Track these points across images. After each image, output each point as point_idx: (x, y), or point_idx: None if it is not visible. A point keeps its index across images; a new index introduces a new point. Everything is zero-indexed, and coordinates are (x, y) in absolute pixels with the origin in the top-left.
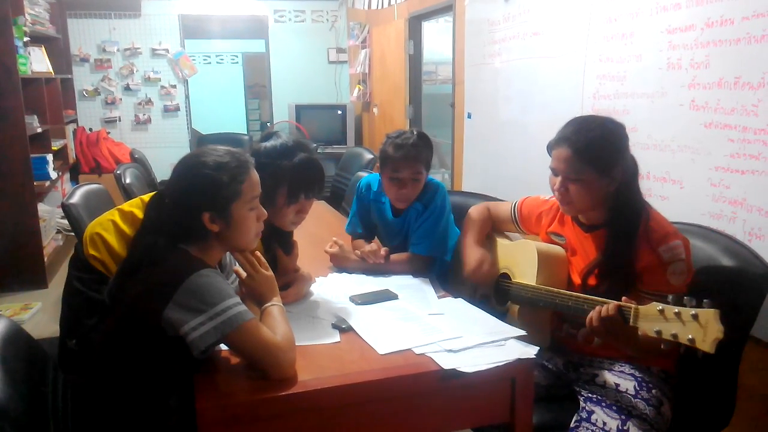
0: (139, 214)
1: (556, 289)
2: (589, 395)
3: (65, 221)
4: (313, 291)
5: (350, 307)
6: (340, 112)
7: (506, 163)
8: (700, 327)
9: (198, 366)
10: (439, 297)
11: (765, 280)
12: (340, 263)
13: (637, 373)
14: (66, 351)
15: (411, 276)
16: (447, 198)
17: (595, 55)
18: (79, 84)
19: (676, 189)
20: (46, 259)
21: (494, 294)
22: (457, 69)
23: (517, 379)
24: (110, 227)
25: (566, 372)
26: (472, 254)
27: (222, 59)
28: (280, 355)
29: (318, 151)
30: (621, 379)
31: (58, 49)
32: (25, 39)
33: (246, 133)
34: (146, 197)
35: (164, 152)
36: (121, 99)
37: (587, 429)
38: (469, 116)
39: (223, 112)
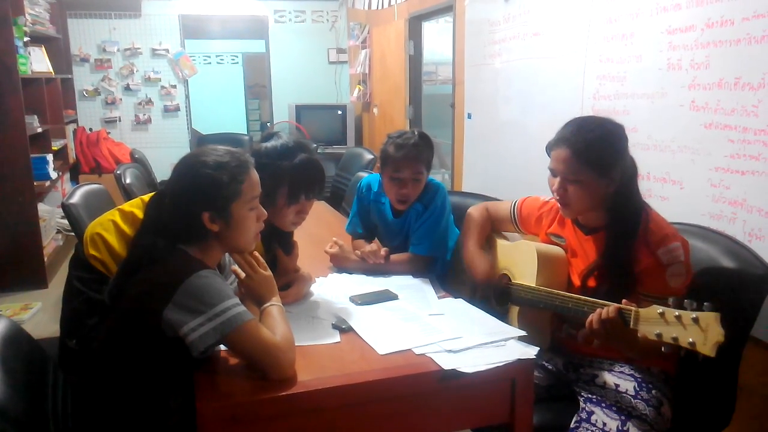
0: (140, 214)
1: (556, 291)
2: (589, 396)
3: (65, 221)
4: (313, 291)
5: (350, 307)
6: (340, 112)
7: (506, 163)
8: (700, 330)
9: (198, 366)
10: (439, 297)
11: (765, 281)
12: (340, 263)
13: (637, 374)
14: (66, 351)
15: (411, 276)
16: (447, 198)
17: (596, 55)
18: (79, 84)
19: (676, 189)
20: (46, 259)
21: (494, 295)
22: (457, 69)
23: (517, 379)
24: (111, 227)
25: (566, 372)
26: (479, 261)
27: (222, 59)
28: (280, 355)
29: (318, 151)
30: (621, 379)
31: (58, 49)
32: (26, 39)
33: (246, 133)
34: (146, 197)
35: (164, 152)
36: (121, 99)
37: (587, 429)
38: (469, 116)
39: (223, 112)
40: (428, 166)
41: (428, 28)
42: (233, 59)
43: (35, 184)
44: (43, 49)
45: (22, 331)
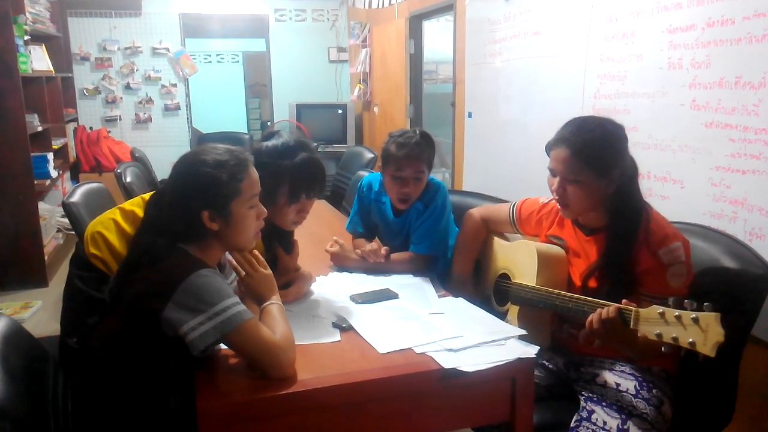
0: (140, 212)
1: (556, 291)
2: (590, 395)
3: (66, 220)
4: (314, 290)
5: (351, 306)
6: (340, 111)
7: (507, 162)
8: (700, 330)
9: (198, 365)
10: (439, 296)
11: (765, 280)
12: (340, 262)
13: (637, 373)
14: (66, 350)
15: (411, 275)
16: (448, 197)
17: (596, 54)
18: (79, 83)
19: (676, 189)
20: (46, 257)
21: (494, 294)
22: (457, 68)
23: (518, 378)
24: (111, 226)
25: (567, 372)
26: (459, 260)
27: (222, 58)
28: (280, 354)
29: (318, 150)
30: (621, 378)
31: (58, 47)
32: (26, 37)
33: (246, 132)
34: (147, 196)
35: (165, 151)
36: (121, 98)
37: (587, 428)
38: (470, 115)
39: (223, 111)
40: (430, 166)
41: (429, 27)
42: (234, 58)
43: (35, 182)
44: (44, 47)
45: (22, 330)
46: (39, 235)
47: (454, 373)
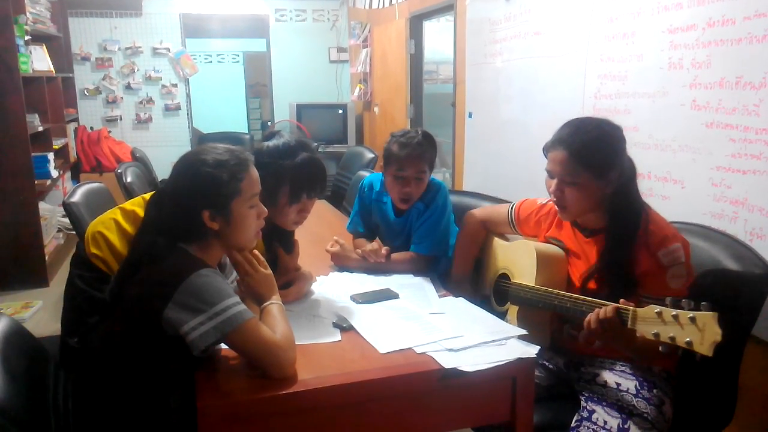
0: (141, 212)
1: (554, 291)
2: (590, 395)
3: (66, 220)
4: (314, 290)
5: (351, 306)
6: (341, 111)
7: (507, 162)
8: (698, 330)
9: (198, 365)
10: (440, 296)
11: (766, 280)
12: (341, 262)
13: (638, 373)
14: (67, 349)
15: (412, 275)
16: (448, 197)
17: (597, 54)
18: (80, 83)
19: (677, 189)
20: (47, 257)
21: (493, 294)
22: (458, 68)
23: (518, 378)
24: (112, 226)
25: (567, 372)
26: (460, 260)
27: (223, 58)
28: (281, 354)
29: (319, 150)
30: (622, 378)
31: (59, 47)
32: (27, 38)
33: (247, 132)
34: (148, 196)
35: (165, 151)
36: (122, 98)
37: (588, 428)
38: (470, 116)
39: (224, 111)
40: (431, 166)
41: (429, 27)
42: (234, 58)
43: (36, 182)
44: (44, 47)
45: (23, 330)
46: (39, 235)
47: (455, 373)
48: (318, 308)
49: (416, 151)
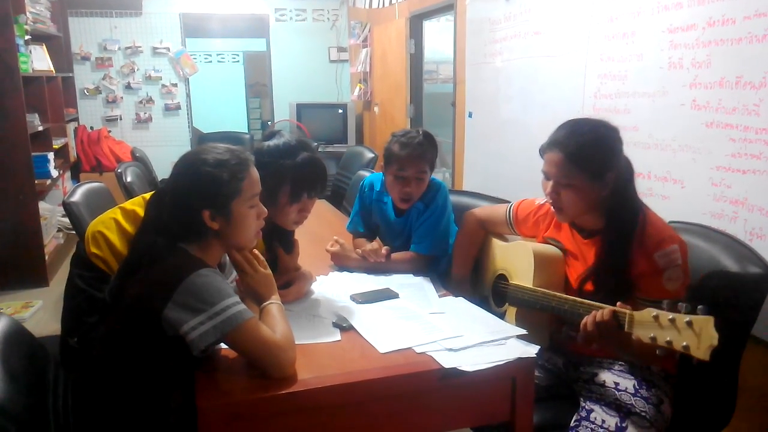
0: (141, 212)
1: (552, 292)
2: (589, 394)
3: (66, 220)
4: (314, 290)
5: (351, 305)
6: (341, 111)
7: (507, 162)
8: (694, 334)
9: (198, 364)
10: (440, 296)
11: (766, 280)
12: (341, 262)
13: (636, 372)
14: (67, 349)
15: (412, 275)
16: (448, 197)
17: (597, 54)
18: (80, 82)
19: (677, 188)
20: (47, 257)
21: (492, 295)
22: (458, 68)
23: (518, 378)
24: (112, 225)
25: (566, 372)
26: (459, 260)
27: (223, 58)
28: (280, 353)
29: (319, 150)
30: (621, 378)
31: (59, 47)
32: (27, 37)
33: (247, 131)
34: (148, 195)
35: (165, 151)
36: (122, 97)
37: (586, 428)
38: (470, 115)
39: (224, 110)
40: (432, 166)
41: (429, 26)
42: (234, 58)
43: (36, 182)
44: (44, 47)
45: (23, 329)
46: (39, 235)
47: (455, 373)
48: (318, 308)
49: (417, 151)
